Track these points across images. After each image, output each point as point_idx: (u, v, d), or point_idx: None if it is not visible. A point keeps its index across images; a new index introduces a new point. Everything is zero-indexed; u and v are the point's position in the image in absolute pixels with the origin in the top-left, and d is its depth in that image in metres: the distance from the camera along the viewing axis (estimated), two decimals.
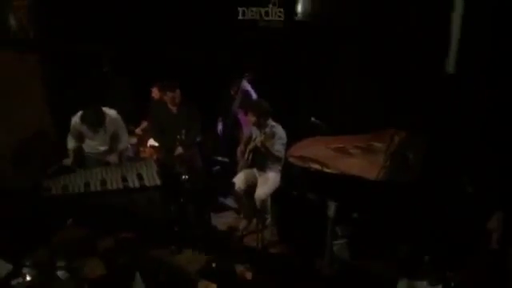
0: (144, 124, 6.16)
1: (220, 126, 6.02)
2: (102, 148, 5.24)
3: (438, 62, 4.56)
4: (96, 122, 4.95)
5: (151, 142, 5.90)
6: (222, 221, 5.47)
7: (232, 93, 5.82)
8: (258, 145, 4.73)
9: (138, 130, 6.22)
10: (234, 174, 5.28)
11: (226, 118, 5.92)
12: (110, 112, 5.11)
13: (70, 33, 5.75)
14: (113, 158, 5.16)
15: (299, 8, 3.80)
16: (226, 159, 5.85)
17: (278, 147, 4.81)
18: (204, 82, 5.92)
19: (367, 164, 4.59)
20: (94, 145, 5.22)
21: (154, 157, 5.70)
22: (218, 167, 5.92)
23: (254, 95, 5.64)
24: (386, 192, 4.27)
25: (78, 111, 5.00)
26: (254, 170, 5.07)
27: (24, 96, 5.47)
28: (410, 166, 4.28)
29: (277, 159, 4.88)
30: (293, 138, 5.03)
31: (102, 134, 5.13)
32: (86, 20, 5.83)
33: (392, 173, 4.33)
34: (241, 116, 5.80)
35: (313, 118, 5.13)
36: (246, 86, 5.68)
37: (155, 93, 5.97)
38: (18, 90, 5.26)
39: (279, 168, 4.99)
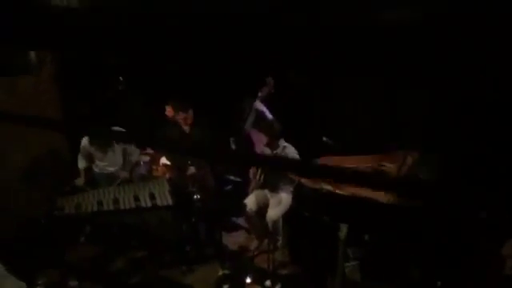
0: None
1: (233, 145, 6.04)
2: (112, 168, 5.32)
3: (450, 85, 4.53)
4: (103, 142, 5.03)
5: (164, 160, 5.92)
6: (233, 240, 5.48)
7: (245, 111, 5.84)
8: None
9: (150, 149, 6.25)
10: (246, 193, 5.29)
11: (239, 136, 5.94)
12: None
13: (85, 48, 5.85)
14: (123, 174, 5.22)
15: None
16: (238, 178, 5.84)
17: None
18: (217, 101, 5.97)
19: None
20: (104, 165, 5.31)
21: (167, 175, 5.71)
22: (230, 186, 5.93)
23: (268, 114, 5.66)
24: (398, 215, 4.24)
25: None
26: (266, 191, 5.08)
27: (40, 114, 5.54)
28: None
29: (288, 180, 4.87)
30: (304, 158, 5.03)
31: (111, 155, 5.22)
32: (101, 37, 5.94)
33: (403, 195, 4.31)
34: (253, 135, 5.82)
35: (324, 138, 5.13)
36: (259, 105, 5.70)
37: (169, 111, 5.98)
38: (33, 110, 5.32)
39: (291, 189, 4.99)
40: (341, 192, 4.55)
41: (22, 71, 4.81)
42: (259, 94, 5.70)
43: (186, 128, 5.36)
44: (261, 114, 5.66)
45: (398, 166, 4.80)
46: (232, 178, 5.92)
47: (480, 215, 3.73)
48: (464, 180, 4.24)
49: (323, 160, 4.99)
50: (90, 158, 5.29)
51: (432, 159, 4.72)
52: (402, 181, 3.55)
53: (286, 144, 4.92)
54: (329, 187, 4.60)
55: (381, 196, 4.39)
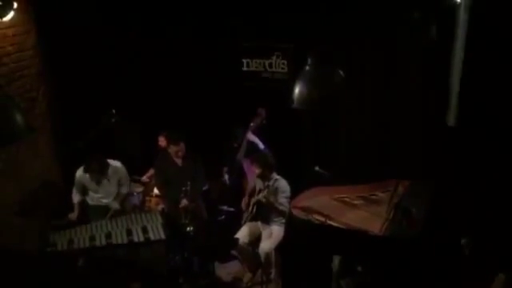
0: (151, 172, 6.21)
1: (226, 176, 6.05)
2: (106, 200, 5.33)
3: (439, 114, 4.59)
4: (99, 170, 5.04)
5: (157, 191, 5.93)
6: (226, 271, 5.46)
7: (236, 144, 5.86)
8: (262, 200, 4.76)
9: (144, 178, 6.26)
10: (239, 223, 5.31)
11: (232, 167, 5.96)
12: (113, 162, 5.22)
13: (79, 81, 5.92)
14: (114, 204, 5.24)
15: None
16: (231, 208, 5.85)
17: (282, 200, 4.85)
18: (210, 131, 6.03)
19: (371, 216, 4.64)
20: (98, 197, 5.31)
21: (160, 207, 5.75)
22: (223, 216, 5.93)
23: (260, 145, 5.69)
24: (390, 246, 4.26)
25: (82, 164, 5.12)
26: (258, 223, 5.10)
27: (34, 148, 5.57)
28: (413, 220, 4.28)
29: (280, 213, 4.90)
30: (296, 187, 5.07)
31: (105, 186, 5.23)
32: (94, 71, 6.00)
33: (395, 227, 4.34)
34: (246, 165, 5.83)
35: (317, 167, 5.16)
36: (251, 135, 5.73)
37: (162, 141, 6.02)
38: (28, 143, 5.34)
39: (283, 221, 5.00)
40: (333, 223, 4.57)
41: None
42: (251, 125, 5.73)
43: (178, 160, 5.38)
44: (253, 144, 5.68)
45: (390, 196, 4.86)
46: (225, 208, 5.91)
47: (465, 251, 3.76)
48: (455, 211, 4.28)
49: (315, 191, 5.02)
50: (84, 190, 5.30)
51: (423, 188, 4.77)
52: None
53: (277, 177, 4.94)
54: (321, 218, 4.62)
55: (373, 227, 4.42)
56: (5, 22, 4.80)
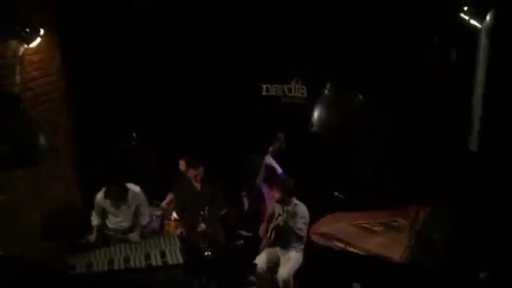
0: (170, 197, 6.25)
1: (244, 200, 6.05)
2: (125, 224, 5.34)
3: (461, 140, 4.56)
4: (118, 196, 5.09)
5: (175, 214, 5.96)
6: None
7: (256, 166, 5.87)
8: (281, 224, 4.74)
9: (163, 204, 6.27)
10: (258, 248, 5.27)
11: (250, 191, 5.96)
12: (133, 187, 5.26)
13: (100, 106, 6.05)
14: (134, 237, 5.22)
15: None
16: (249, 233, 5.81)
17: (300, 226, 4.82)
18: (228, 156, 6.03)
19: (391, 243, 4.60)
20: (118, 221, 5.34)
21: (178, 231, 5.76)
22: (241, 241, 5.88)
23: (278, 169, 5.69)
24: (411, 274, 4.19)
25: (102, 187, 5.17)
26: (277, 249, 5.07)
27: (56, 171, 5.66)
28: (435, 247, 4.20)
29: (299, 238, 4.88)
30: (315, 212, 5.05)
31: (124, 210, 5.25)
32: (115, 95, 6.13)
33: (417, 254, 4.29)
34: (264, 190, 5.84)
35: (336, 192, 5.14)
36: (270, 159, 5.75)
37: (181, 165, 6.06)
38: (51, 165, 5.43)
39: (302, 247, 4.97)
40: (352, 250, 4.53)
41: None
42: (270, 149, 5.74)
43: (197, 185, 5.42)
44: (271, 169, 5.69)
45: (411, 222, 4.81)
46: (243, 232, 5.88)
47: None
48: (477, 239, 4.19)
49: (335, 217, 5.01)
50: (103, 214, 5.35)
51: (445, 215, 4.69)
52: None
53: (296, 202, 4.92)
54: (340, 244, 4.58)
55: (394, 254, 4.36)
56: (31, 48, 4.94)
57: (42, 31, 4.77)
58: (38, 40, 4.79)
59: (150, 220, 5.75)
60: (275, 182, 5.16)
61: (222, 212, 5.80)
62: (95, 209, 5.33)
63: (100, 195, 5.24)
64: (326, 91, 3.94)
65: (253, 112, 6.15)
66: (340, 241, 4.61)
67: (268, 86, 6.09)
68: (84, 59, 5.86)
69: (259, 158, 5.85)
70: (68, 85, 5.92)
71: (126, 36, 6.02)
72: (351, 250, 4.51)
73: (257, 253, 5.21)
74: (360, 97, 4.00)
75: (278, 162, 5.73)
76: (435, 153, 5.24)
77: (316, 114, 3.94)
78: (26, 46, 4.79)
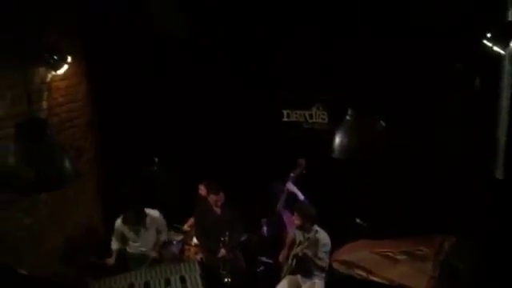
0: (191, 221, 6.26)
1: (264, 226, 6.02)
2: (144, 249, 5.37)
3: (487, 167, 4.47)
4: (136, 221, 5.13)
5: (196, 240, 5.95)
6: None
7: (277, 192, 5.86)
8: (300, 254, 4.70)
9: (185, 227, 6.29)
10: (278, 275, 5.21)
11: (271, 217, 5.93)
12: (152, 212, 5.32)
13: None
14: (152, 252, 5.29)
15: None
16: (269, 260, 5.78)
17: (322, 255, 4.76)
18: (249, 181, 6.06)
19: (415, 273, 4.52)
20: (137, 246, 5.38)
21: (198, 256, 5.76)
22: (262, 268, 5.86)
23: (300, 195, 5.67)
24: None
25: (122, 212, 5.23)
26: (298, 277, 5.00)
27: (79, 195, 5.76)
28: (460, 278, 4.10)
29: (320, 268, 4.81)
30: (336, 239, 4.98)
31: (143, 235, 5.30)
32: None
33: (441, 285, 4.17)
34: (286, 216, 5.80)
35: (357, 219, 5.09)
36: (291, 186, 5.74)
37: (202, 190, 6.09)
38: (74, 189, 5.52)
39: (323, 275, 4.90)
40: (375, 279, 4.47)
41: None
42: (291, 175, 5.74)
43: (217, 210, 5.43)
44: (293, 195, 5.67)
45: (435, 252, 4.69)
46: (264, 259, 5.84)
47: None
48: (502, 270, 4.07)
49: (357, 244, 4.96)
50: (123, 239, 5.39)
51: (471, 245, 4.57)
52: None
53: (318, 229, 4.87)
54: (362, 273, 4.53)
55: (418, 284, 4.26)
56: (58, 75, 5.10)
57: (69, 58, 4.91)
58: (66, 67, 4.93)
59: (170, 244, 5.78)
60: (295, 208, 5.11)
61: (243, 238, 5.78)
62: (115, 234, 5.40)
63: (119, 221, 5.31)
64: (348, 117, 3.93)
65: (274, 138, 6.18)
66: (362, 269, 4.58)
67: (289, 111, 6.15)
68: (109, 86, 6.01)
69: (280, 184, 5.85)
70: (93, 111, 6.06)
71: (149, 62, 6.15)
72: (373, 278, 4.46)
73: (278, 280, 5.16)
74: (382, 122, 3.98)
75: (299, 188, 5.72)
76: (460, 180, 5.14)
77: (337, 140, 3.93)
78: (53, 72, 4.95)
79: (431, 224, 5.14)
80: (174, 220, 6.02)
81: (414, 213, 5.41)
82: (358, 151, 3.93)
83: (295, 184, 5.73)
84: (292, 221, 5.36)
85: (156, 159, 5.94)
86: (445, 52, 4.83)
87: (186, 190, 6.28)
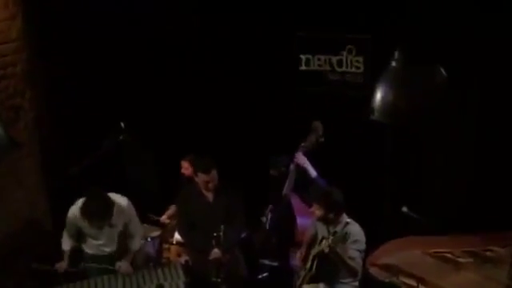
0: (171, 209, 6.25)
1: (266, 217, 5.97)
2: (108, 249, 5.33)
3: None
4: (101, 214, 5.05)
5: (178, 236, 5.96)
6: None
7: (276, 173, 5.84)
8: (326, 250, 4.64)
9: (163, 218, 6.34)
10: (289, 284, 5.26)
11: (276, 205, 5.89)
12: (119, 200, 5.22)
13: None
14: (124, 266, 5.23)
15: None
16: (275, 263, 5.79)
17: (353, 254, 4.71)
18: (252, 157, 6.10)
19: (484, 281, 4.68)
20: (98, 245, 5.32)
21: (182, 259, 5.76)
22: (265, 274, 5.88)
23: (313, 172, 5.60)
24: None
25: (77, 199, 5.12)
26: (320, 286, 4.97)
27: (16, 175, 5.75)
28: None
29: (350, 271, 4.76)
30: (372, 236, 4.96)
31: (107, 231, 5.23)
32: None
33: None
34: (294, 202, 5.76)
35: (404, 208, 5.06)
36: (301, 159, 5.64)
37: (186, 168, 6.07)
38: (9, 167, 5.47)
39: (355, 283, 4.89)
40: None
41: None
42: (302, 144, 5.65)
43: (209, 195, 5.38)
44: (303, 172, 5.62)
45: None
46: (267, 262, 5.85)
47: None
48: None
49: (403, 243, 5.03)
50: (79, 236, 5.33)
51: None
52: None
53: (348, 220, 4.82)
54: (411, 282, 4.57)
55: None
56: None
57: None
58: None
59: (143, 242, 5.76)
60: (311, 192, 5.09)
61: (243, 234, 5.76)
62: (67, 228, 5.29)
63: (74, 211, 5.16)
64: (393, 63, 3.87)
65: (287, 94, 6.15)
66: (410, 276, 4.61)
67: (309, 57, 6.08)
68: (56, 20, 5.92)
69: (284, 157, 5.79)
70: (33, 55, 5.96)
71: None
72: None
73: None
74: (443, 72, 3.90)
75: (312, 162, 5.65)
76: None
77: (378, 96, 3.90)
78: None
79: (504, 216, 5.12)
80: (148, 209, 6.02)
81: (481, 200, 5.41)
82: (408, 112, 3.88)
83: (307, 157, 5.65)
84: (303, 209, 5.39)
85: (122, 125, 5.85)
86: None
87: (165, 167, 6.24)
